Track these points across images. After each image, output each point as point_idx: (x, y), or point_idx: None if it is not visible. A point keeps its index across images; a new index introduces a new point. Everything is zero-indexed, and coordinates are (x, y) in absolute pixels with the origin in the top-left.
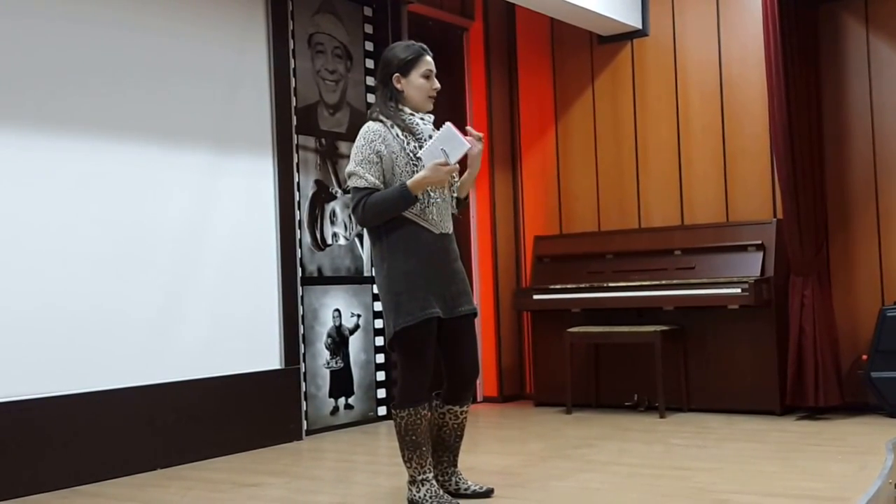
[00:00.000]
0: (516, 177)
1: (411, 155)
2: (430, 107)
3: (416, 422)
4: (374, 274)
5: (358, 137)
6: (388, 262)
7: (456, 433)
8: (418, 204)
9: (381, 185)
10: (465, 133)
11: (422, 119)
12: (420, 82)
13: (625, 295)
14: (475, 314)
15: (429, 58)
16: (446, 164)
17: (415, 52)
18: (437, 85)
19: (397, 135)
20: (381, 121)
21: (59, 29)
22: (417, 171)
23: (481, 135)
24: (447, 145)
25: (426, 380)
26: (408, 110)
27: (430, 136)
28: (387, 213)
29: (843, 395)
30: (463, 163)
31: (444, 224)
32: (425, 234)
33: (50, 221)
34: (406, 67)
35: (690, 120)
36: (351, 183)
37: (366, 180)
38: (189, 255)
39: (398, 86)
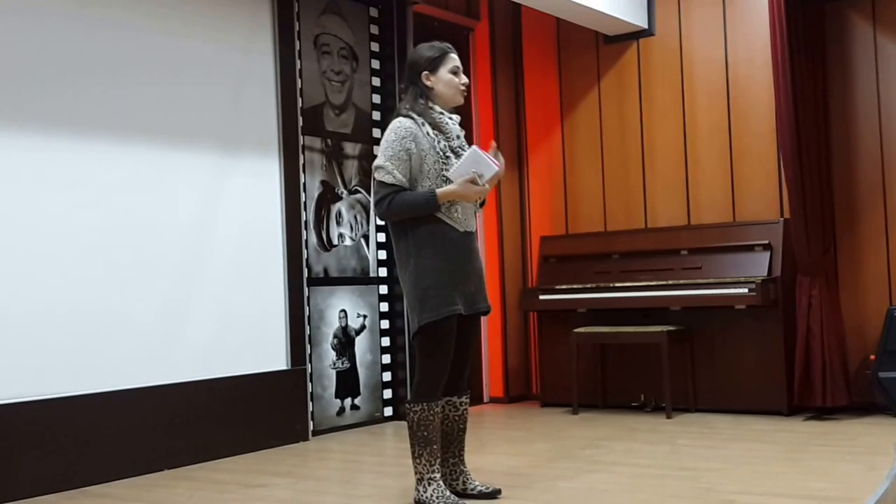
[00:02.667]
0: (522, 177)
1: (441, 153)
2: (461, 100)
3: (429, 418)
4: (397, 271)
5: (388, 131)
6: (414, 258)
7: (458, 426)
8: (441, 208)
9: (407, 184)
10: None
11: (450, 118)
12: (449, 77)
13: (631, 295)
14: (489, 312)
15: (454, 55)
16: (475, 181)
17: (440, 50)
18: (465, 80)
19: (427, 133)
20: (412, 117)
21: (65, 29)
22: (446, 169)
23: (493, 144)
24: (476, 167)
25: (444, 376)
26: (437, 108)
27: (459, 136)
28: (410, 214)
29: (850, 396)
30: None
31: (469, 222)
32: (451, 231)
33: (55, 222)
34: (434, 64)
35: (697, 120)
36: (377, 176)
37: (393, 177)
38: (195, 255)
39: (428, 83)
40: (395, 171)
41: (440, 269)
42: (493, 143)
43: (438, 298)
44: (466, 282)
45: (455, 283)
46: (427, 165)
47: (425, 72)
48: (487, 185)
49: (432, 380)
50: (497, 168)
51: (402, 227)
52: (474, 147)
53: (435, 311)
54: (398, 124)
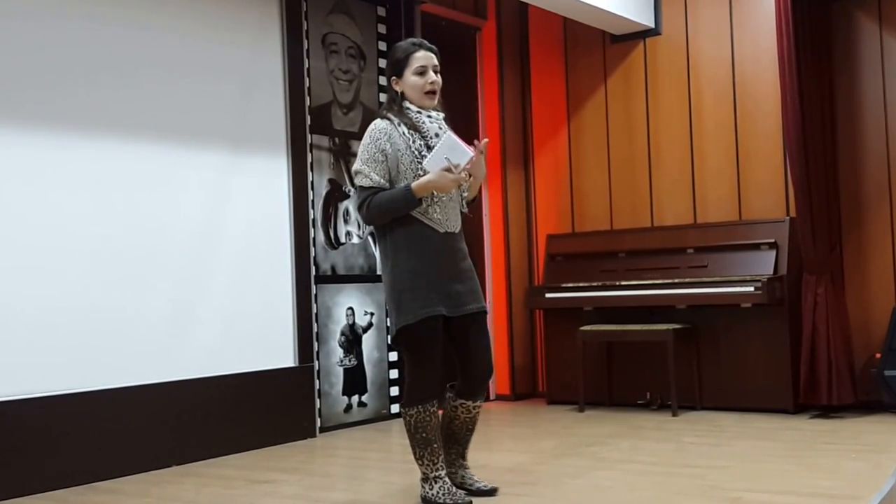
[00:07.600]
0: (529, 176)
1: (416, 153)
2: (431, 103)
3: (426, 419)
4: (380, 272)
5: (365, 135)
6: (391, 259)
7: (466, 427)
8: (422, 203)
9: (386, 184)
10: (470, 143)
11: (429, 117)
12: (413, 80)
13: (637, 293)
14: (484, 312)
15: (421, 53)
16: (450, 170)
17: (405, 50)
18: (433, 78)
19: (403, 133)
20: (388, 118)
21: (74, 28)
22: (421, 169)
23: (486, 141)
24: (450, 154)
25: (433, 377)
26: (414, 108)
27: (437, 135)
28: (391, 213)
29: (856, 394)
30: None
31: (450, 223)
32: (429, 232)
33: (64, 220)
34: (398, 68)
35: (703, 118)
36: (356, 181)
37: (371, 179)
38: (204, 253)
39: (396, 88)
40: (371, 174)
41: (416, 271)
42: (486, 140)
43: (415, 301)
44: (454, 282)
45: (434, 284)
46: (404, 165)
47: (393, 77)
48: (464, 174)
49: (422, 383)
50: (472, 154)
51: (381, 229)
52: (448, 133)
53: (411, 314)
54: (373, 127)
